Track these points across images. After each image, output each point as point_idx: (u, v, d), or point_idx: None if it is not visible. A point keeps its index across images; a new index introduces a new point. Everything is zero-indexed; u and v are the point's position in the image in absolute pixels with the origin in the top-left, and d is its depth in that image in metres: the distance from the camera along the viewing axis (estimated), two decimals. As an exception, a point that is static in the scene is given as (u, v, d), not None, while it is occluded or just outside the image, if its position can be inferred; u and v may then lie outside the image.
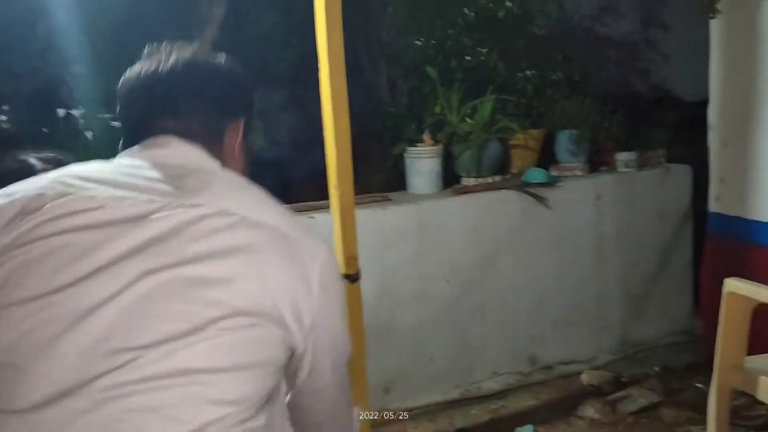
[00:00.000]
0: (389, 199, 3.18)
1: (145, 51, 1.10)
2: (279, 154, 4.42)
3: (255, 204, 0.98)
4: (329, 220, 2.83)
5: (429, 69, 3.46)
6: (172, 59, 1.06)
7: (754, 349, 1.74)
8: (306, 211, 2.92)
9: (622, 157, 3.74)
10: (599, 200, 3.57)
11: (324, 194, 3.08)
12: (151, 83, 1.06)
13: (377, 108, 3.90)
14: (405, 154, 3.39)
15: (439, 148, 3.35)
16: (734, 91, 2.29)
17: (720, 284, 2.48)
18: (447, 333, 3.19)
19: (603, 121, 3.63)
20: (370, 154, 4.11)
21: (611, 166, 3.80)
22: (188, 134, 1.03)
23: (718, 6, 2.18)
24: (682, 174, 3.83)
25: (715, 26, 2.35)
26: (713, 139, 2.44)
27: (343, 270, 1.84)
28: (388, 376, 3.04)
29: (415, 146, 3.36)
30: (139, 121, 1.06)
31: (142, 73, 1.06)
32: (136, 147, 1.03)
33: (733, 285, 1.69)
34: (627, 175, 3.68)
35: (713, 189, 2.46)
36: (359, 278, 1.88)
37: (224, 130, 1.08)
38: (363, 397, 1.91)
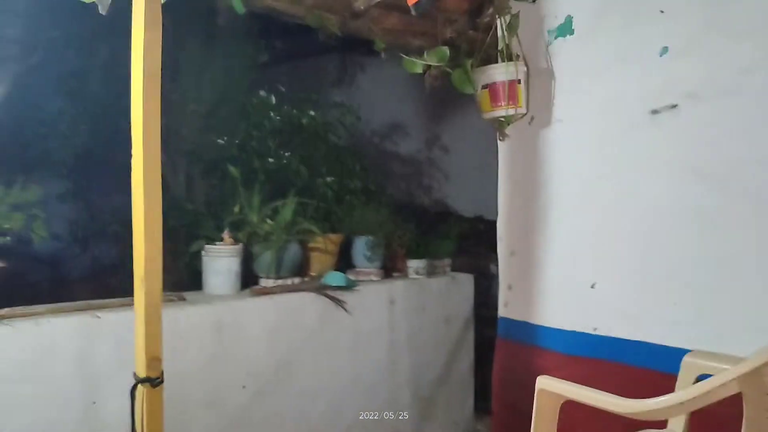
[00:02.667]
0: (184, 299, 3.00)
1: None
2: (56, 249, 4.03)
3: None
4: (118, 319, 2.62)
5: (231, 168, 3.42)
6: None
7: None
8: (90, 309, 2.64)
9: (413, 264, 3.95)
10: (393, 305, 3.69)
11: (106, 292, 2.84)
12: None
13: (173, 204, 3.74)
14: (203, 253, 3.25)
15: (238, 247, 3.27)
16: (519, 206, 2.55)
17: (510, 385, 2.65)
18: (240, 444, 3.00)
19: (396, 229, 3.81)
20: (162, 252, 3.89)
21: (403, 273, 3.99)
22: None
23: (507, 131, 2.47)
24: (466, 282, 4.13)
25: (502, 149, 2.64)
26: (502, 249, 2.67)
27: (143, 373, 1.66)
28: (173, 496, 2.75)
29: (214, 244, 3.24)
30: None
31: None
32: None
33: (544, 383, 1.80)
34: (417, 282, 3.87)
35: (502, 295, 2.66)
36: (162, 382, 1.70)
37: None
38: None
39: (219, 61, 3.61)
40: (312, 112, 3.75)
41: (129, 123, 1.81)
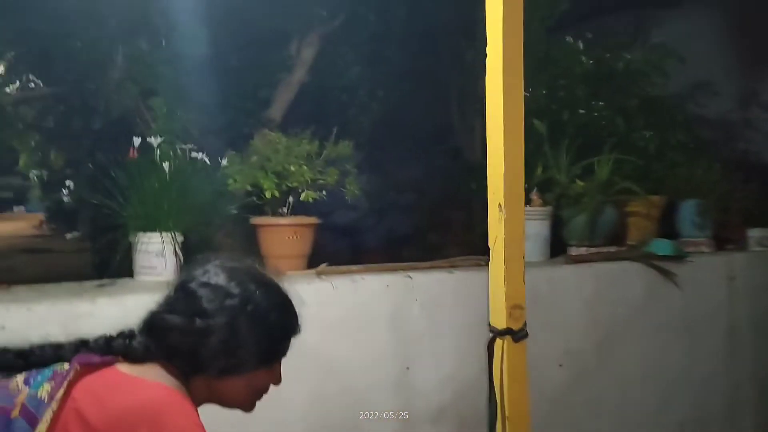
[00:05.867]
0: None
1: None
2: (353, 218, 4.07)
3: None
4: (427, 280, 2.40)
5: (536, 122, 3.05)
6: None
7: None
8: (400, 270, 2.47)
9: (755, 233, 3.25)
10: (732, 282, 3.05)
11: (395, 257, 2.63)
12: None
13: (469, 168, 3.49)
14: (506, 216, 2.93)
15: (548, 209, 2.90)
16: None
17: None
18: (557, 427, 2.62)
19: (733, 190, 3.15)
20: (458, 217, 3.70)
21: (740, 245, 3.30)
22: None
23: None
24: (825, 259, 3.31)
25: None
26: None
27: (503, 324, 1.36)
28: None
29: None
30: None
31: None
32: None
33: None
34: (763, 255, 3.17)
35: None
36: (527, 335, 1.39)
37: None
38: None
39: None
40: (628, 55, 3.23)
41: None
